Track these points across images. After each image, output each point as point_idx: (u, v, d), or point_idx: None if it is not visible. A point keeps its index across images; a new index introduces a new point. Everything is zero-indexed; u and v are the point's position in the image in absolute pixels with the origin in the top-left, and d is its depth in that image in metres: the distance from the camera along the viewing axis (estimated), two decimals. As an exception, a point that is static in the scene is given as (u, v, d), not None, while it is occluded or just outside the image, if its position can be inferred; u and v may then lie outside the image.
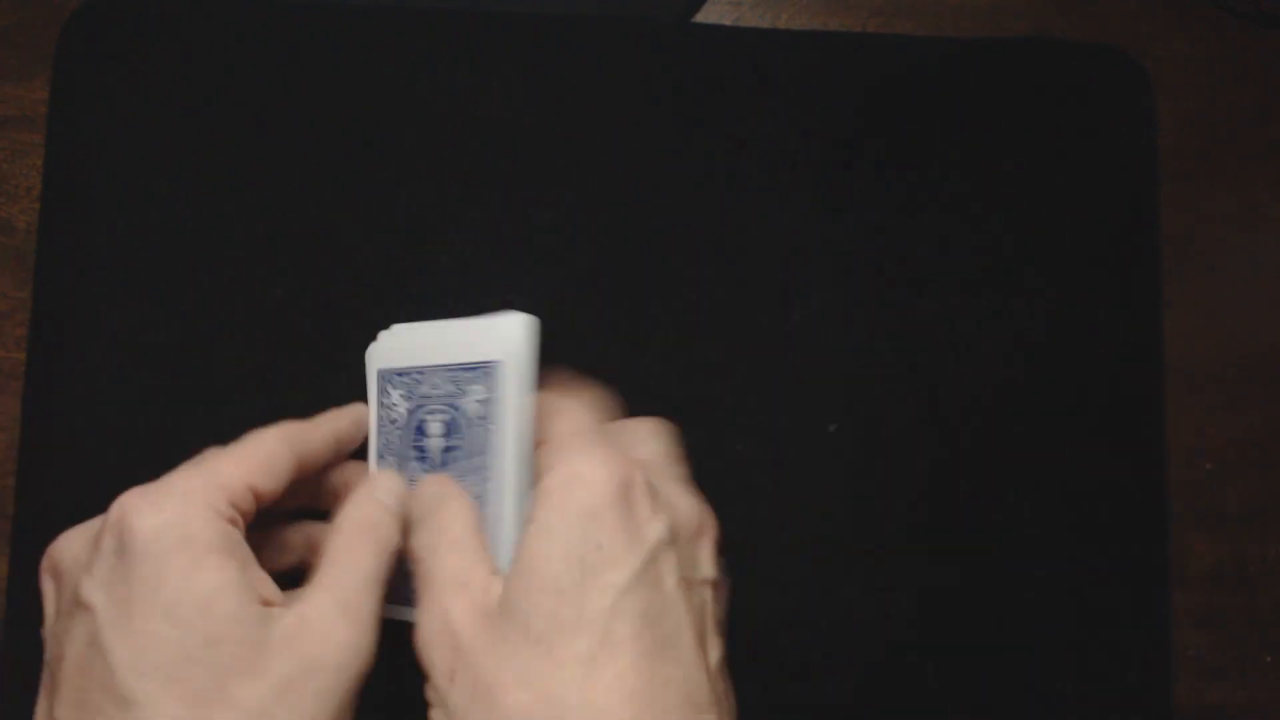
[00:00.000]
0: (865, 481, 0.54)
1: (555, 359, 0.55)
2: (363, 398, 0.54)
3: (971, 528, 0.53)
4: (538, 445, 0.44)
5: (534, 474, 0.43)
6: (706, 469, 0.53)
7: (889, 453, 0.54)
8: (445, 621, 0.40)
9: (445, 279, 0.54)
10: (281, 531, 0.48)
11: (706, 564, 0.43)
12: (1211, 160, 0.57)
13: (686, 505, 0.43)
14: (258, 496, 0.42)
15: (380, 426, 0.49)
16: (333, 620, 0.40)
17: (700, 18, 0.57)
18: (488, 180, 0.55)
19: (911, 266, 0.55)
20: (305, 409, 0.54)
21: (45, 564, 0.44)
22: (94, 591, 0.39)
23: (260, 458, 0.43)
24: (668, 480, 0.44)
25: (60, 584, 0.42)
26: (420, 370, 0.47)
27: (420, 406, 0.47)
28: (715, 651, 0.42)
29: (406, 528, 0.44)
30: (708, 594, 0.42)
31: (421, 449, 0.47)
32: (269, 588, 0.41)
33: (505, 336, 0.46)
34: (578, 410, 0.44)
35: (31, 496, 0.53)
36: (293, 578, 0.45)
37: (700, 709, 0.39)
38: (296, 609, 0.40)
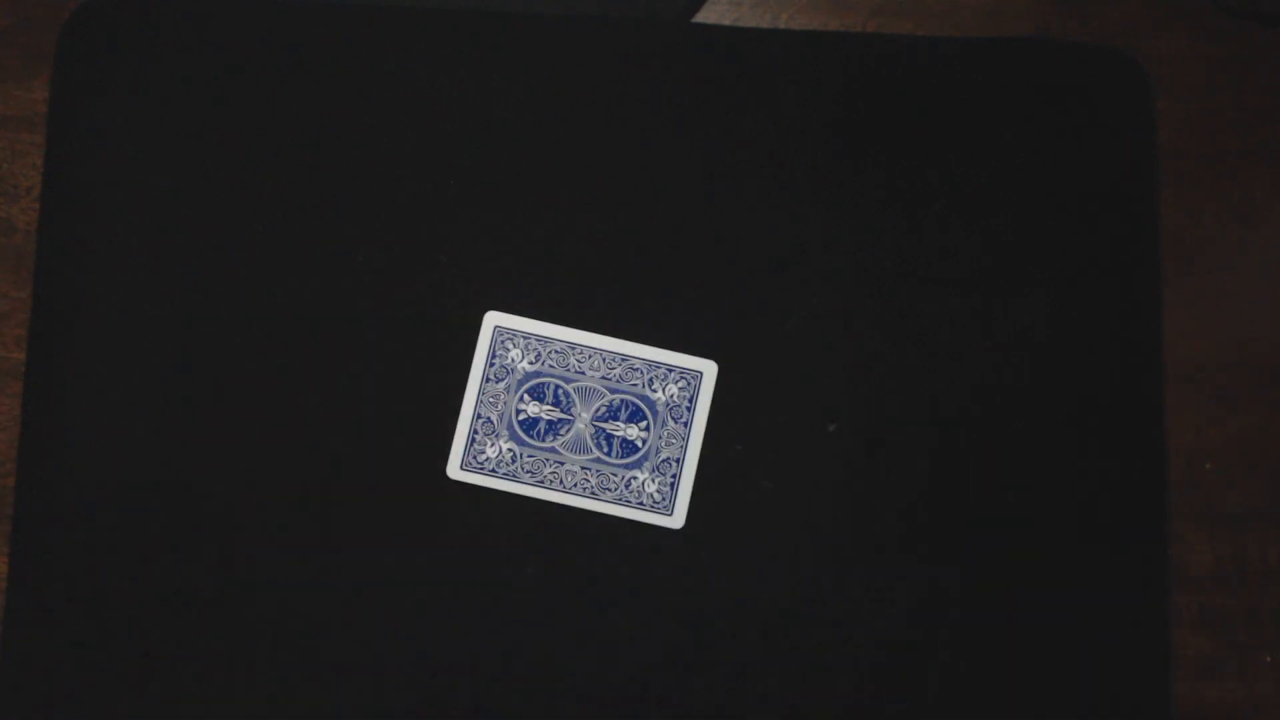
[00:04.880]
0: (865, 481, 0.54)
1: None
2: (362, 397, 0.54)
3: (971, 528, 0.53)
4: None
5: None
6: (706, 469, 0.53)
7: (889, 453, 0.54)
8: None
9: (445, 279, 0.54)
10: None
11: None
12: (1211, 160, 0.57)
13: None
14: None
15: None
16: None
17: (700, 18, 0.57)
18: (488, 180, 0.55)
19: (911, 266, 0.55)
20: (304, 408, 0.54)
21: None
22: None
23: None
24: None
25: None
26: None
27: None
28: None
29: None
30: None
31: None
32: None
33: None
34: None
35: (31, 496, 0.53)
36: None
37: None
38: None
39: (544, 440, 0.53)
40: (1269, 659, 0.54)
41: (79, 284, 0.54)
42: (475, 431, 0.53)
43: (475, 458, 0.53)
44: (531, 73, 0.56)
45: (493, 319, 0.53)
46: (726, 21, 0.57)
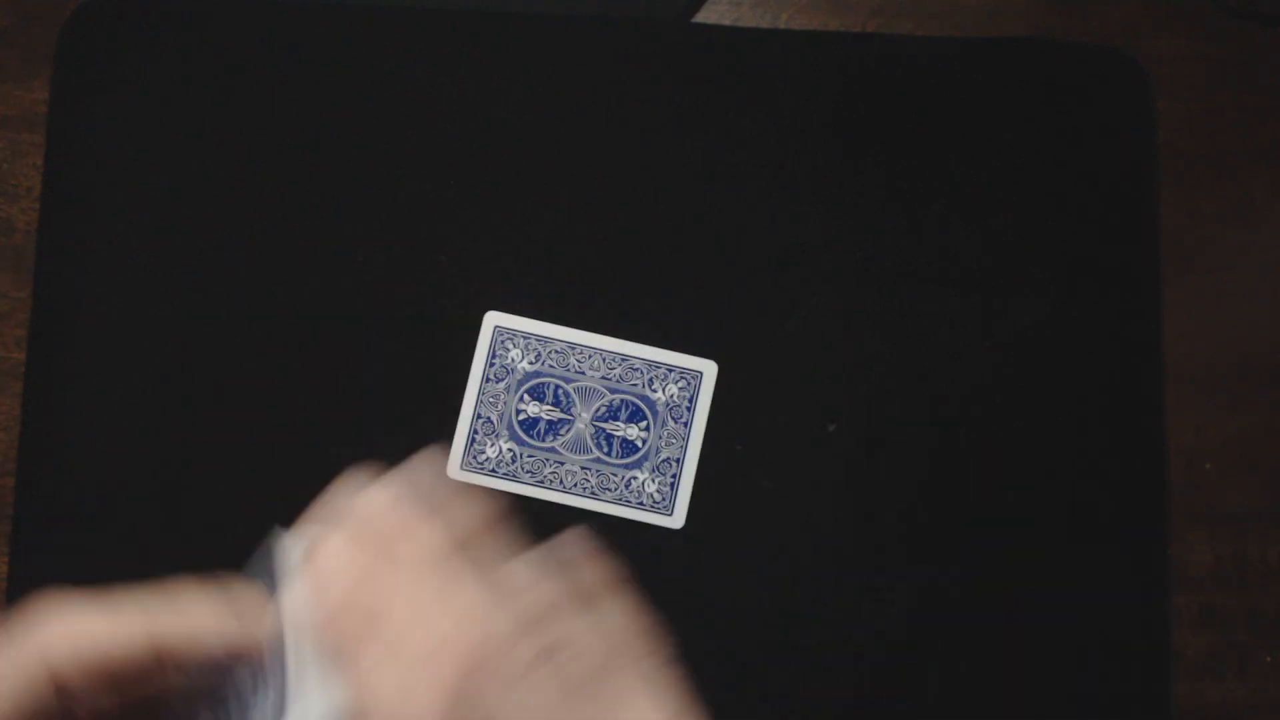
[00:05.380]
0: (865, 481, 0.54)
1: (555, 359, 0.55)
2: (362, 397, 0.54)
3: (971, 528, 0.53)
4: None
5: None
6: (706, 469, 0.53)
7: (889, 453, 0.54)
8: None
9: (445, 279, 0.54)
10: None
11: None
12: (1211, 160, 0.57)
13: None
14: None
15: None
16: None
17: (700, 18, 0.57)
18: (488, 180, 0.55)
19: (911, 266, 0.55)
20: (304, 408, 0.54)
21: None
22: None
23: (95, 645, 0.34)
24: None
25: None
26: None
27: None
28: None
29: None
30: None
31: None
32: None
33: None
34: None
35: (31, 496, 0.53)
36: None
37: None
38: None
39: (544, 440, 0.53)
40: (1269, 659, 0.54)
41: (79, 284, 0.54)
42: (475, 431, 0.53)
43: (475, 458, 0.53)
44: (531, 73, 0.56)
45: (493, 319, 0.53)
46: (726, 21, 0.57)
